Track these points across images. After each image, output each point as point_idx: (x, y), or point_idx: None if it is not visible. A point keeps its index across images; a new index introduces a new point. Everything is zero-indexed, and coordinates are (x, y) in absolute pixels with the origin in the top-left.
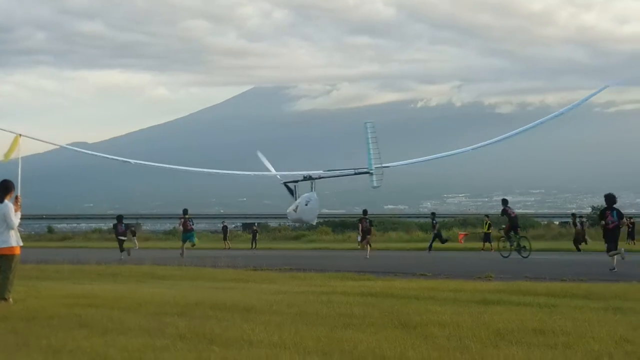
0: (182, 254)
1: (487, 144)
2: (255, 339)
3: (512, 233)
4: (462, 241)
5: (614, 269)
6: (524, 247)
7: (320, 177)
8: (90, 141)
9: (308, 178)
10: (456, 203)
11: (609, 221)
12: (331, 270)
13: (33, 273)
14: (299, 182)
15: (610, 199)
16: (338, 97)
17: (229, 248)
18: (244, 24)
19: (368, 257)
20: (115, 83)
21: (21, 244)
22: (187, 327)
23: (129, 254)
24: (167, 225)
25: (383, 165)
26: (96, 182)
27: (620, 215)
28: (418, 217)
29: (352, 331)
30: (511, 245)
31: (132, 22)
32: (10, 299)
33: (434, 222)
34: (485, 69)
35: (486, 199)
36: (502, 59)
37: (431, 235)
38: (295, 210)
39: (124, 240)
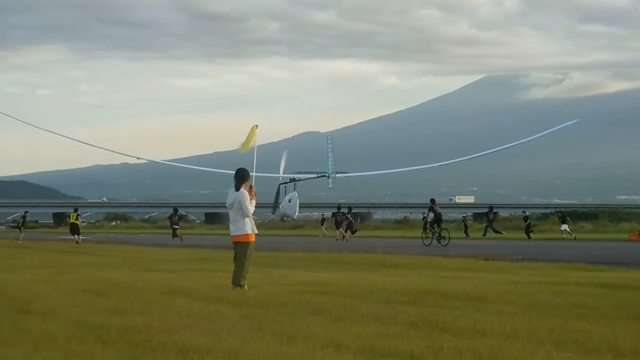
0: None
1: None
2: (488, 328)
3: (435, 226)
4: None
5: None
6: (444, 237)
7: (299, 179)
8: (322, 130)
9: (292, 180)
10: None
11: None
12: (562, 261)
13: (267, 260)
14: (288, 183)
15: None
16: (570, 86)
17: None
18: (475, 12)
19: (346, 240)
20: (347, 72)
21: (256, 231)
22: (419, 315)
23: (181, 240)
24: (398, 214)
25: (337, 172)
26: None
27: None
28: None
29: (586, 322)
30: (433, 235)
31: (364, 11)
32: (246, 286)
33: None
34: None
35: None
36: None
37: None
38: (282, 207)
39: (177, 229)
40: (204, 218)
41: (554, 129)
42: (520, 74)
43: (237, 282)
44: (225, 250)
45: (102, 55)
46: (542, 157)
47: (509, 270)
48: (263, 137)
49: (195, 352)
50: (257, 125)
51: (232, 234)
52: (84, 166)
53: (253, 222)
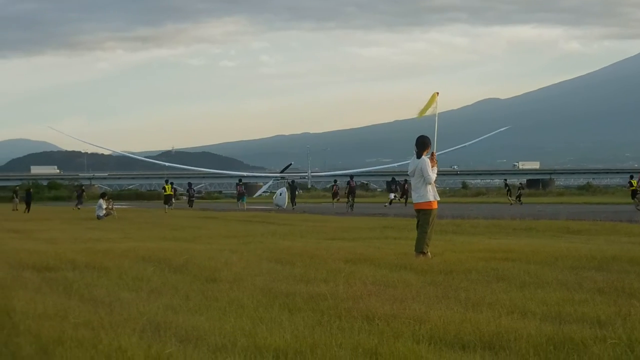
0: (241, 209)
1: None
2: None
3: (350, 196)
4: None
5: None
6: (352, 204)
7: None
8: (502, 97)
9: (283, 178)
10: None
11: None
12: None
13: (449, 228)
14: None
15: None
16: None
17: None
18: None
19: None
20: (527, 38)
21: (438, 198)
22: (605, 281)
23: (191, 206)
24: (580, 180)
25: (312, 173)
26: (508, 139)
27: None
28: None
29: None
30: (347, 203)
31: None
32: (429, 253)
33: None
34: None
35: None
36: None
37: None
38: (274, 198)
39: (193, 201)
40: (384, 186)
41: (488, 135)
42: None
43: (420, 250)
44: (408, 218)
45: (284, 26)
46: None
47: None
48: (443, 105)
49: (381, 319)
50: (437, 93)
51: (414, 202)
52: (266, 136)
53: (435, 189)
